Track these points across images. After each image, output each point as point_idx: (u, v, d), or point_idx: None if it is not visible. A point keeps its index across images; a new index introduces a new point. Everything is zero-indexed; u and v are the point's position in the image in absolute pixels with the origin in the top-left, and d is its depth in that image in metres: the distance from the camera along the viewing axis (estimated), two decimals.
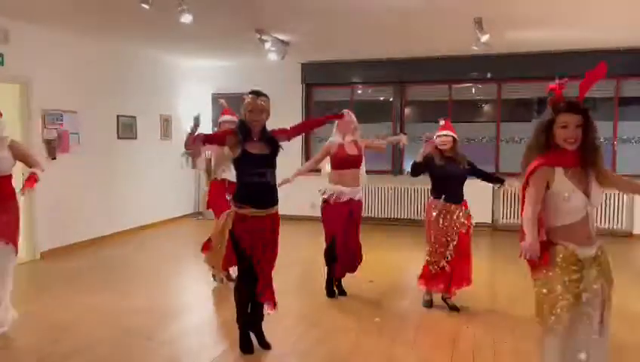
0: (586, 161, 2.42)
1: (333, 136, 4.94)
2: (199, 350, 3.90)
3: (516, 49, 7.84)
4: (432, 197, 4.62)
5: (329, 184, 4.93)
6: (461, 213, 4.54)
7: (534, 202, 2.44)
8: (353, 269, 5.08)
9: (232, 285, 5.31)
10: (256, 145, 3.61)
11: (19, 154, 4.17)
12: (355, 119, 4.95)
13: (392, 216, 8.93)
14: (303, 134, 9.21)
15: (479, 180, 4.78)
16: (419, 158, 4.54)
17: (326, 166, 5.09)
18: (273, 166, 3.70)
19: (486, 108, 9.39)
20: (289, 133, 3.88)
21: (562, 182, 2.42)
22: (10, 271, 4.11)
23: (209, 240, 5.31)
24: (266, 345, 3.84)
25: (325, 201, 4.91)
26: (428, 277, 4.64)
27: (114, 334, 4.11)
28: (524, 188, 2.48)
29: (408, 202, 8.88)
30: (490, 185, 5.26)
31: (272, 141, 3.69)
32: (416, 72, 8.82)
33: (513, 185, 4.76)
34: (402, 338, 4.09)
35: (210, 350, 3.88)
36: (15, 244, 4.10)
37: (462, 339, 4.02)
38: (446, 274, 4.54)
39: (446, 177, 4.52)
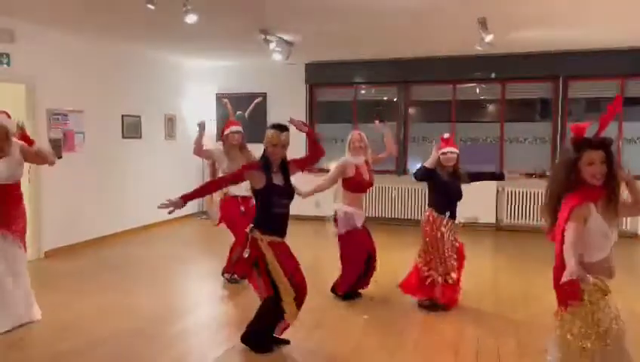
0: (611, 195, 2.45)
1: (346, 156, 4.90)
2: (204, 348, 3.93)
3: (520, 49, 7.83)
4: (434, 213, 4.59)
5: (344, 206, 4.87)
6: (455, 229, 4.66)
7: (577, 236, 2.40)
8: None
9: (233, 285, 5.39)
10: (277, 177, 3.71)
11: (30, 155, 4.24)
12: (365, 138, 4.92)
13: (396, 216, 8.94)
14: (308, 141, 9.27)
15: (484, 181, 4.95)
16: (429, 164, 4.55)
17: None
18: (292, 198, 3.79)
19: (490, 108, 9.37)
20: (302, 166, 3.92)
21: (597, 218, 2.45)
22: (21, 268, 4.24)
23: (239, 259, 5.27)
24: (285, 341, 3.91)
25: (341, 230, 4.86)
26: (420, 285, 4.67)
27: (118, 333, 4.13)
28: (561, 225, 2.46)
29: (412, 202, 8.89)
30: (494, 183, 5.36)
31: (287, 172, 3.76)
32: (420, 72, 8.81)
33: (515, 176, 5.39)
34: (406, 338, 4.10)
35: (214, 348, 3.90)
36: (23, 242, 4.26)
37: (465, 340, 4.03)
38: (442, 284, 4.60)
39: (451, 194, 4.60)
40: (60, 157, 6.72)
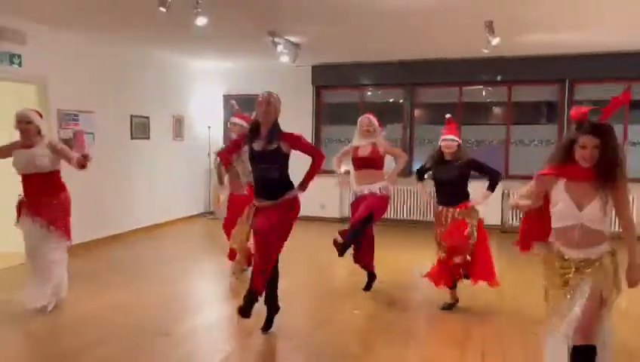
0: (599, 179, 2.61)
1: (354, 139, 5.24)
2: (213, 346, 3.98)
3: (526, 52, 7.85)
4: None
5: (353, 182, 5.28)
6: (456, 214, 4.55)
7: (530, 193, 2.88)
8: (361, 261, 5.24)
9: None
10: (262, 143, 3.81)
11: (56, 150, 4.57)
12: (374, 122, 5.19)
13: (401, 217, 8.97)
14: (314, 136, 9.32)
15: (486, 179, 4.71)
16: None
17: (342, 167, 5.36)
18: (277, 162, 3.83)
19: (496, 110, 9.39)
20: (297, 145, 3.88)
21: (559, 191, 2.73)
22: (54, 257, 4.53)
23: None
24: (265, 327, 4.06)
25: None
26: (434, 274, 4.73)
27: (128, 330, 4.19)
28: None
29: (417, 203, 8.91)
30: (500, 185, 5.33)
31: (277, 140, 3.80)
32: (427, 74, 8.85)
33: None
34: (411, 337, 4.14)
35: (224, 346, 3.96)
36: (64, 231, 4.61)
37: (471, 340, 4.06)
38: (447, 268, 4.61)
39: (439, 181, 4.64)
40: None
